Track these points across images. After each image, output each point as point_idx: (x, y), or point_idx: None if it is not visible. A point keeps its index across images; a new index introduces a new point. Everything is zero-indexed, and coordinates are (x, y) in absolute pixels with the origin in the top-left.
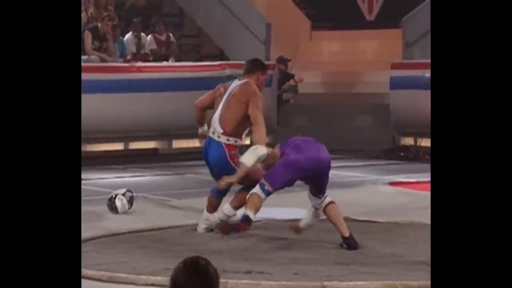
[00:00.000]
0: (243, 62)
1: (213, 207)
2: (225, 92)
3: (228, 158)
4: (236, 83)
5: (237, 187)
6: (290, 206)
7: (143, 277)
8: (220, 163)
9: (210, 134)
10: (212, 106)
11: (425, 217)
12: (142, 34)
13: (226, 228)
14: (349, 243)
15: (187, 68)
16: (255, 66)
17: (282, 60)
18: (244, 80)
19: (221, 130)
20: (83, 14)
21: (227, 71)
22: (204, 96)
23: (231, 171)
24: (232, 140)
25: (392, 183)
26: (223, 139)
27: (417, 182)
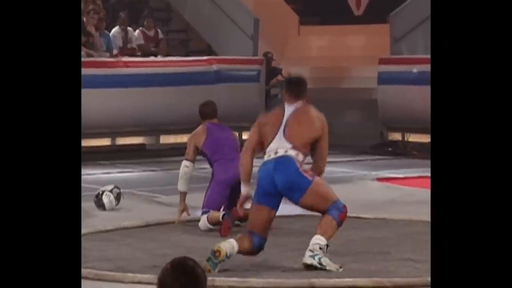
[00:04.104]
0: (231, 57)
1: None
2: (280, 118)
3: (301, 171)
4: (293, 107)
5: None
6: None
7: (129, 274)
8: (295, 177)
9: (272, 156)
10: (261, 145)
11: (413, 213)
12: (129, 28)
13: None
14: None
15: (174, 63)
16: (305, 89)
17: (267, 58)
18: (306, 106)
19: (288, 145)
20: None
21: (215, 66)
22: (250, 139)
23: (305, 184)
24: (301, 156)
25: (380, 179)
26: (293, 153)
27: (405, 178)
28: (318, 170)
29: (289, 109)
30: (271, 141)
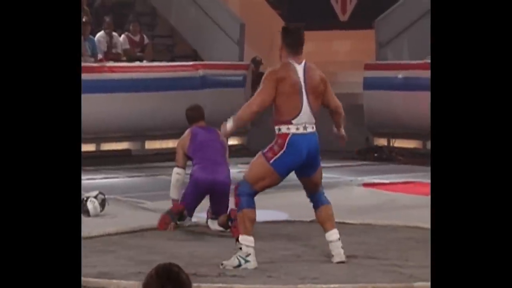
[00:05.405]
0: (217, 62)
1: None
2: (297, 83)
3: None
4: (302, 67)
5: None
6: (264, 209)
7: (114, 281)
8: (317, 156)
9: (301, 130)
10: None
11: (399, 219)
12: (114, 33)
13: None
14: None
15: (160, 69)
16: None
17: (256, 62)
18: (310, 65)
19: (313, 121)
20: None
21: (201, 72)
22: (260, 95)
23: (319, 162)
24: None
25: (366, 184)
26: (315, 129)
27: (391, 183)
28: (340, 116)
29: (300, 70)
30: (298, 112)
